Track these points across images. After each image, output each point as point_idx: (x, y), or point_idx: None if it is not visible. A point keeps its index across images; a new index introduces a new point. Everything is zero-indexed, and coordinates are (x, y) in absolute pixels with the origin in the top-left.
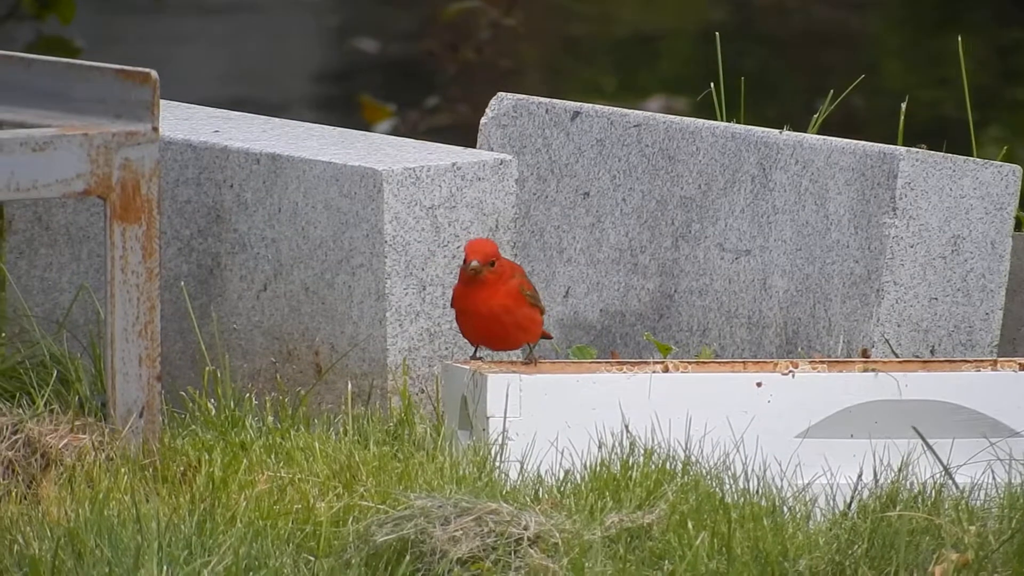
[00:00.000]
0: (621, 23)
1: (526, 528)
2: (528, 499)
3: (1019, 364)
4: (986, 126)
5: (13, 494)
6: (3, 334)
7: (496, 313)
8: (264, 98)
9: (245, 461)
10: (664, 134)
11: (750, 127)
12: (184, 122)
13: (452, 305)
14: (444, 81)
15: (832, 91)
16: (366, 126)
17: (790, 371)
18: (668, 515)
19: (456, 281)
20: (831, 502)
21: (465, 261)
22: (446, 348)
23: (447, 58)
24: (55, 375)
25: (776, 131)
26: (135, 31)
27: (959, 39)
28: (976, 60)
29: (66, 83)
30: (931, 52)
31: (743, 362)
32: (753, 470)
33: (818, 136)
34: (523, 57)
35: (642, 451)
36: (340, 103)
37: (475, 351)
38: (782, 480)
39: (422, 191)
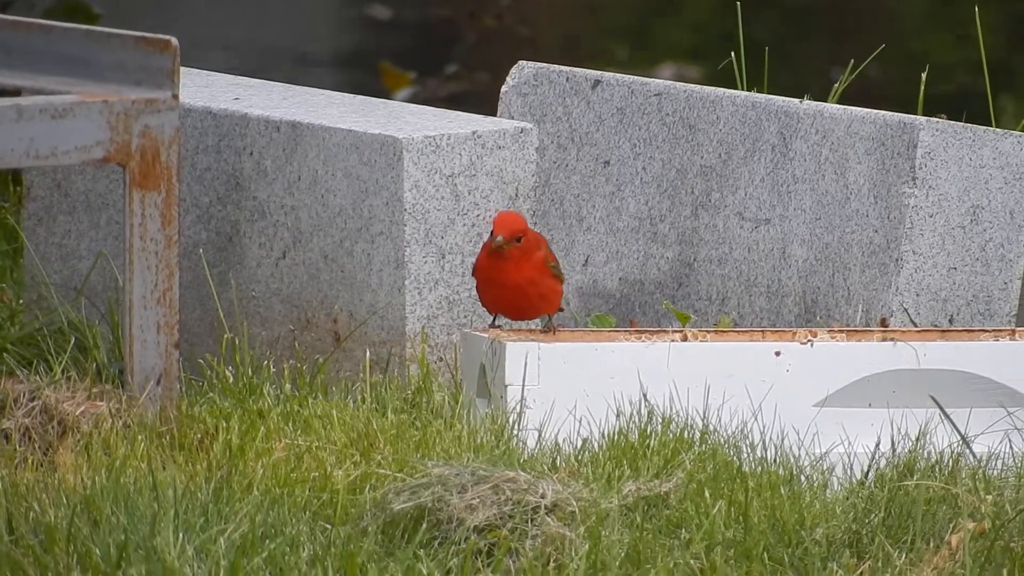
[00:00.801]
0: None
1: (543, 496)
2: (545, 467)
3: None
4: (1003, 96)
5: (30, 461)
6: (21, 301)
7: (521, 285)
8: (281, 65)
9: (262, 429)
10: (684, 103)
11: (770, 96)
12: (204, 89)
13: (474, 274)
14: (462, 49)
15: (852, 61)
16: (385, 93)
17: (809, 340)
18: (685, 484)
19: (478, 250)
20: (848, 471)
21: (492, 235)
22: (465, 316)
23: (467, 25)
24: (73, 342)
25: (797, 100)
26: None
27: (976, 10)
28: (995, 29)
29: (86, 50)
30: (950, 20)
31: (762, 331)
32: (771, 439)
33: (838, 106)
34: (542, 25)
35: (660, 420)
36: (358, 70)
37: (493, 319)
38: (799, 449)
39: (442, 159)
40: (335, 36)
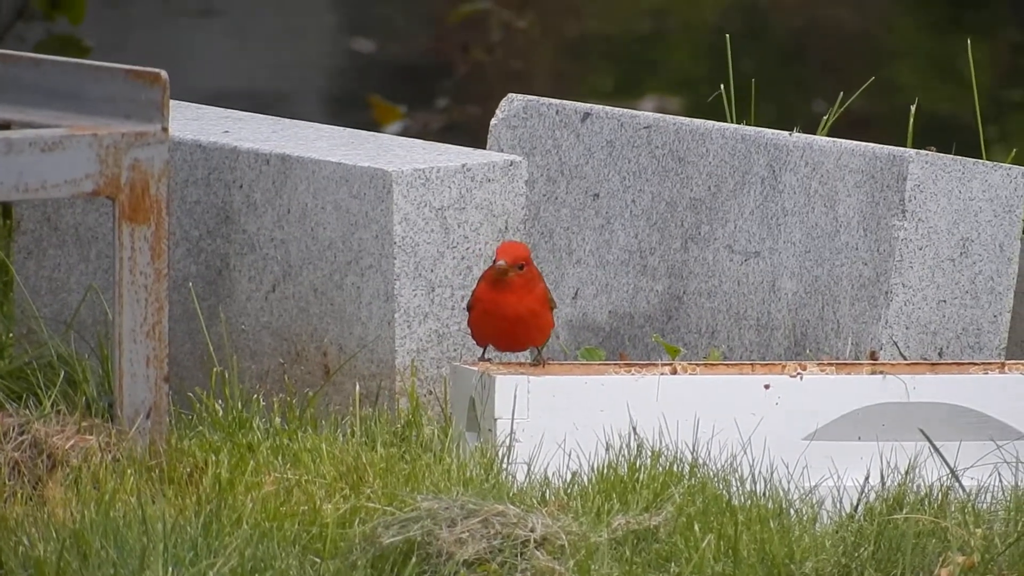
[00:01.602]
0: (631, 23)
1: (532, 530)
2: (535, 501)
3: None
4: (994, 127)
5: (19, 495)
6: (11, 335)
7: (523, 317)
8: (270, 101)
9: (252, 462)
10: (674, 135)
11: (760, 129)
12: (194, 122)
13: (471, 304)
14: (450, 83)
15: (842, 93)
16: (376, 127)
17: (798, 373)
18: (675, 517)
19: (468, 283)
20: (838, 504)
21: (494, 263)
22: (454, 349)
23: (457, 58)
24: (62, 376)
25: (786, 133)
26: (143, 36)
27: (968, 42)
28: (986, 61)
29: (76, 83)
30: (939, 53)
31: (751, 364)
32: (760, 472)
33: (827, 138)
34: (531, 58)
35: (649, 453)
36: (345, 105)
37: (483, 352)
38: (789, 482)
39: (432, 192)
40: (322, 72)
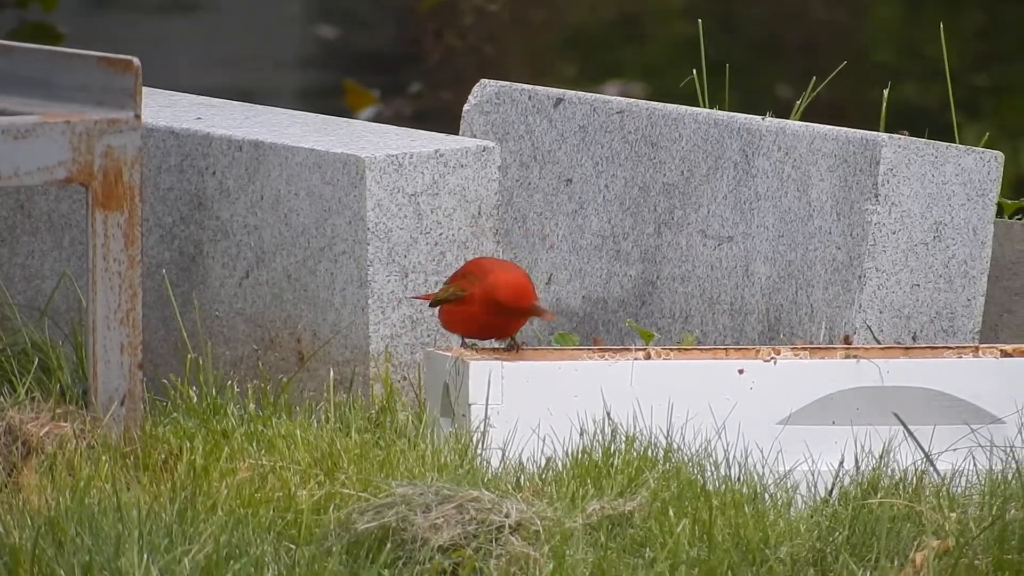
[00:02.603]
0: (605, 7)
1: (507, 516)
2: (510, 487)
3: (1000, 351)
4: (967, 114)
5: None
6: None
7: (521, 325)
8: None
9: (226, 449)
10: (647, 121)
11: (732, 114)
12: (167, 109)
13: (466, 321)
14: (422, 68)
15: (815, 78)
16: (349, 111)
17: (772, 358)
18: (649, 502)
19: (441, 269)
20: (812, 489)
21: (533, 305)
22: (428, 335)
23: (431, 43)
24: (36, 363)
25: (759, 118)
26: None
27: (941, 26)
28: (959, 42)
29: (48, 70)
30: (914, 36)
31: (725, 349)
32: (735, 457)
33: (800, 122)
34: (504, 43)
35: (624, 438)
36: (316, 91)
37: (463, 340)
38: (763, 467)
39: (404, 178)
40: (293, 61)
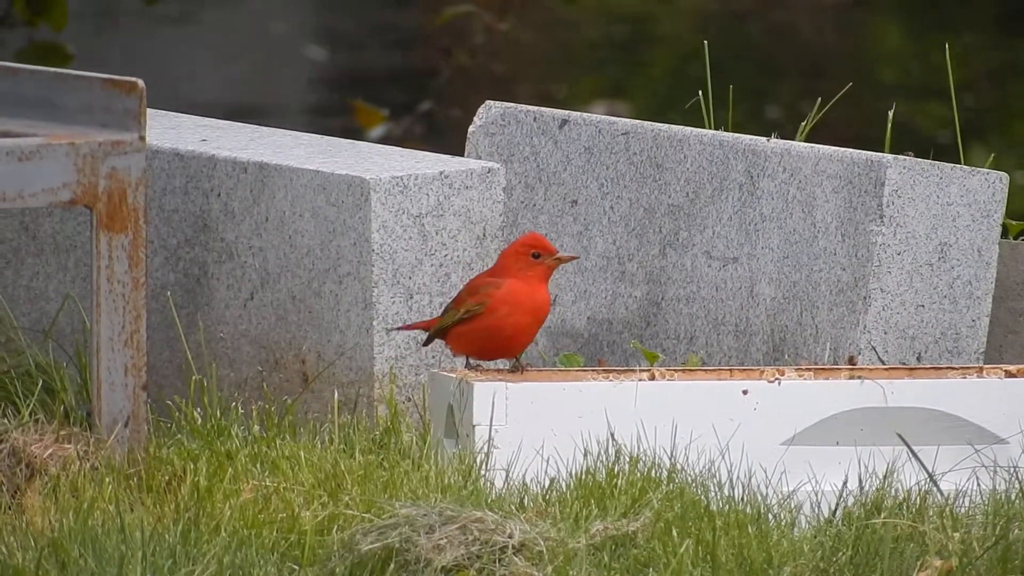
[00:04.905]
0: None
1: (511, 536)
2: (513, 507)
3: (1005, 371)
4: (974, 134)
5: None
6: None
7: (545, 309)
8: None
9: (230, 470)
10: (652, 142)
11: (738, 135)
12: (171, 131)
13: (483, 309)
14: (432, 87)
15: (820, 99)
16: (359, 129)
17: (776, 379)
18: (653, 523)
19: (446, 290)
20: (816, 509)
21: (548, 251)
22: (433, 357)
23: (442, 62)
24: (40, 385)
25: (764, 139)
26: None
27: (947, 46)
28: (966, 64)
29: (52, 92)
30: (918, 58)
31: (729, 369)
32: (738, 477)
33: (806, 144)
34: (510, 61)
35: (628, 459)
36: (326, 112)
37: (467, 361)
38: (767, 487)
39: (409, 199)
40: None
